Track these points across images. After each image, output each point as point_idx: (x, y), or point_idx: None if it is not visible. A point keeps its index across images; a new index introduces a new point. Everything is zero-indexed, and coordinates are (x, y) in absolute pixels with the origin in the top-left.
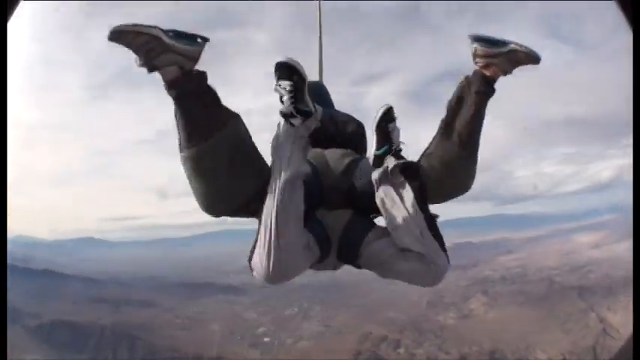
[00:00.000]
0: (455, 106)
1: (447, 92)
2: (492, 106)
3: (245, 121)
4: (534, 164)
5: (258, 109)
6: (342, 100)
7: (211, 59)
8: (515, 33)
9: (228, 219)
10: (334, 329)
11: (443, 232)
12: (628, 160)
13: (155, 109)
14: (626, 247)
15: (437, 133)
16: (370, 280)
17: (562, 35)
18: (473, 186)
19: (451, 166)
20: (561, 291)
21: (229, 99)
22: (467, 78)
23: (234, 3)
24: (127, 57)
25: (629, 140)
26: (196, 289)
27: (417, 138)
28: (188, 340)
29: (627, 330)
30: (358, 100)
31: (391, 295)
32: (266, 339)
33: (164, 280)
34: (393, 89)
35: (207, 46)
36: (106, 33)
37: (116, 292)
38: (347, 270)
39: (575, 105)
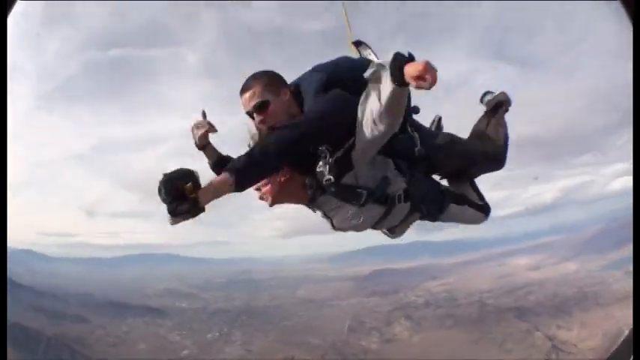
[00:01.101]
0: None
1: None
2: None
3: (171, 142)
4: None
5: (185, 130)
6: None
7: (142, 76)
8: (451, 55)
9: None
10: (256, 353)
11: (362, 260)
12: (573, 180)
13: (92, 122)
14: (575, 265)
15: None
16: (288, 305)
17: (503, 55)
18: None
19: None
20: (496, 313)
21: (159, 119)
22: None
23: (169, 20)
24: (74, 69)
25: (576, 160)
26: (124, 309)
27: None
28: (119, 358)
29: (588, 343)
30: None
31: (310, 320)
32: None
33: (96, 297)
34: None
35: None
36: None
37: (55, 305)
38: (266, 295)
39: (518, 125)
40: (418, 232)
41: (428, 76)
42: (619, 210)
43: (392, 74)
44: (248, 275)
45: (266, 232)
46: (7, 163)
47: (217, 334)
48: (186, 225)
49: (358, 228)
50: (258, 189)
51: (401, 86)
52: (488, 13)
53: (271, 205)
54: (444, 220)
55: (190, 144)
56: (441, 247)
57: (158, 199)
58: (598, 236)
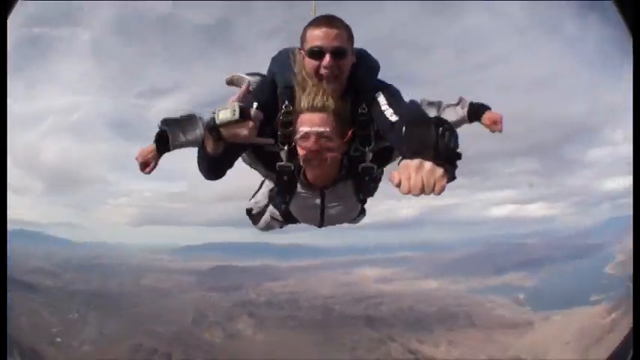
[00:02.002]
0: None
1: None
2: None
3: (51, 119)
4: None
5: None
6: (127, 109)
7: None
8: None
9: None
10: (109, 337)
11: (204, 254)
12: (441, 201)
13: None
14: (434, 283)
15: None
16: (134, 292)
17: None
18: (235, 214)
19: None
20: (342, 318)
21: (56, 97)
22: None
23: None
24: None
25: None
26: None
27: None
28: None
29: None
30: (142, 112)
31: (157, 309)
32: (58, 339)
33: None
34: (176, 106)
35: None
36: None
37: None
38: (114, 281)
39: None
40: (260, 232)
41: (499, 125)
42: (497, 236)
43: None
44: (99, 260)
45: (117, 219)
46: (7, 163)
47: (76, 314)
48: (50, 203)
49: (338, 222)
50: (320, 150)
51: (471, 121)
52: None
53: (319, 176)
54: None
55: (69, 120)
56: (283, 250)
57: (35, 174)
58: (468, 258)
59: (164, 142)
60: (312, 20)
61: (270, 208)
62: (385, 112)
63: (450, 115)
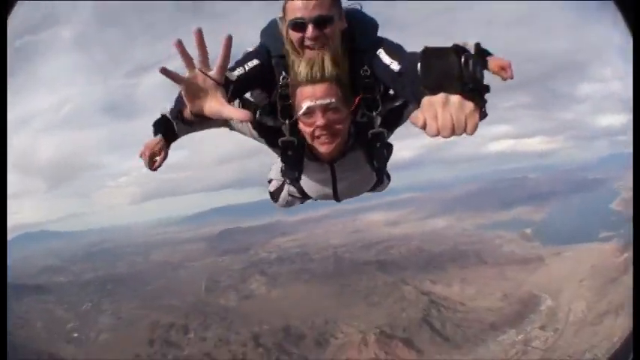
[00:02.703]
0: None
1: None
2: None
3: (53, 115)
4: None
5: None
6: (116, 91)
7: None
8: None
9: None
10: (126, 320)
11: (210, 220)
12: (429, 140)
13: None
14: (441, 222)
15: None
16: (146, 270)
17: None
18: (236, 175)
19: None
20: (354, 266)
21: (44, 97)
22: None
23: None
24: None
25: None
26: (19, 291)
27: None
28: (26, 340)
29: (481, 303)
30: (131, 91)
31: (167, 283)
32: (75, 334)
33: None
34: (163, 79)
35: None
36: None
37: None
38: (124, 263)
39: None
40: (263, 190)
41: (508, 72)
42: (498, 172)
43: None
44: (106, 244)
45: (119, 199)
46: (7, 163)
47: (90, 304)
48: (50, 199)
49: (354, 194)
50: (329, 125)
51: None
52: None
53: (331, 150)
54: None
55: (59, 115)
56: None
57: (34, 176)
58: (472, 195)
59: (170, 130)
60: None
61: (287, 185)
62: (390, 65)
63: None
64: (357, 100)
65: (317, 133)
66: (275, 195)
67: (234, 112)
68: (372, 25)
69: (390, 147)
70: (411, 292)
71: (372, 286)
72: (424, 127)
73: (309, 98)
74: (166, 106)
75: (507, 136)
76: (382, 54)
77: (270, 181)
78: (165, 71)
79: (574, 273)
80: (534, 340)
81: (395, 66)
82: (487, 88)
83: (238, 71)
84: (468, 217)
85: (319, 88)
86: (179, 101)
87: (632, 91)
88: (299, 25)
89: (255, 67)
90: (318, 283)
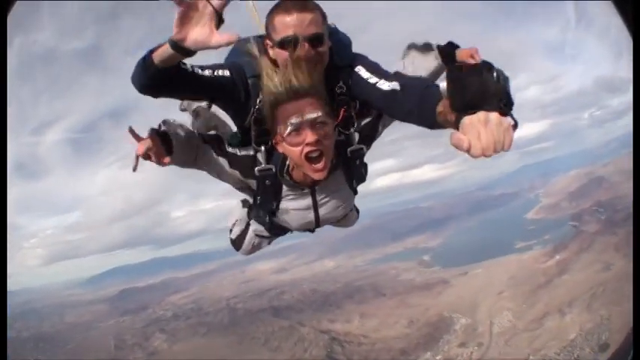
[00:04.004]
0: None
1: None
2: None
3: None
4: (191, 203)
5: None
6: (21, 150)
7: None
8: None
9: None
10: None
11: (108, 282)
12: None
13: None
14: (331, 263)
15: None
16: (65, 330)
17: None
18: (129, 233)
19: None
20: (248, 315)
21: None
22: None
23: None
24: None
25: None
26: None
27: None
28: None
29: (386, 333)
30: (34, 150)
31: (83, 342)
32: None
33: None
34: (61, 135)
35: None
36: None
37: None
38: (47, 322)
39: None
40: (153, 248)
41: (477, 57)
42: (387, 206)
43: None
44: (31, 305)
45: (32, 261)
46: (7, 163)
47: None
48: None
49: (334, 219)
50: (320, 140)
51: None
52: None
53: (323, 169)
54: (342, 223)
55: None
56: (178, 261)
57: None
58: (360, 233)
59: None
60: (278, 5)
61: (252, 226)
62: (377, 85)
63: (422, 70)
64: (342, 112)
65: (307, 150)
66: (238, 241)
67: (222, 37)
68: (346, 41)
69: (366, 165)
70: (310, 332)
71: (269, 332)
72: (469, 149)
73: (294, 115)
74: (165, 119)
75: (393, 170)
76: (362, 71)
77: (230, 229)
78: None
79: (489, 287)
80: (456, 358)
81: (382, 84)
82: (513, 102)
83: (207, 72)
84: (358, 254)
85: (304, 103)
86: (149, 57)
87: (632, 91)
88: (291, 43)
89: (224, 77)
90: (216, 335)
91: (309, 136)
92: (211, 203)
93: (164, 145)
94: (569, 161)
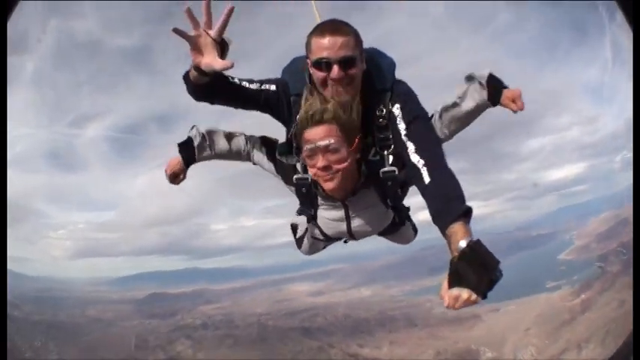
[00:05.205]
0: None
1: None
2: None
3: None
4: (232, 218)
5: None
6: (58, 140)
7: None
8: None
9: None
10: None
11: (138, 285)
12: None
13: None
14: (367, 291)
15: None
16: (85, 323)
17: None
18: (163, 241)
19: None
20: (278, 333)
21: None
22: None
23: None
24: None
25: None
26: None
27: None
28: None
29: None
30: (72, 141)
31: (102, 337)
32: None
33: None
34: (102, 132)
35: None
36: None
37: None
38: (64, 312)
39: None
40: (187, 258)
41: (519, 103)
42: (425, 241)
43: (490, 93)
44: (50, 293)
45: (58, 252)
46: (7, 164)
47: (40, 342)
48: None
49: (370, 233)
50: (330, 166)
51: (494, 105)
52: None
53: (335, 188)
54: (395, 237)
55: (12, 153)
56: (214, 274)
57: None
58: (398, 265)
59: (190, 153)
60: (316, 27)
61: (310, 228)
62: (403, 135)
63: (471, 101)
64: (356, 141)
65: (318, 173)
66: (299, 241)
67: (220, 63)
68: (387, 64)
69: (405, 185)
70: (338, 353)
71: (297, 350)
72: (445, 301)
73: (310, 140)
74: (193, 129)
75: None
76: (397, 110)
77: (294, 229)
78: (177, 30)
79: (517, 324)
80: None
81: (412, 152)
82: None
83: (254, 85)
84: (394, 285)
85: (318, 131)
86: (186, 76)
87: (632, 90)
88: (324, 65)
89: (270, 91)
90: (242, 348)
91: (320, 161)
92: (253, 221)
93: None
94: (601, 204)
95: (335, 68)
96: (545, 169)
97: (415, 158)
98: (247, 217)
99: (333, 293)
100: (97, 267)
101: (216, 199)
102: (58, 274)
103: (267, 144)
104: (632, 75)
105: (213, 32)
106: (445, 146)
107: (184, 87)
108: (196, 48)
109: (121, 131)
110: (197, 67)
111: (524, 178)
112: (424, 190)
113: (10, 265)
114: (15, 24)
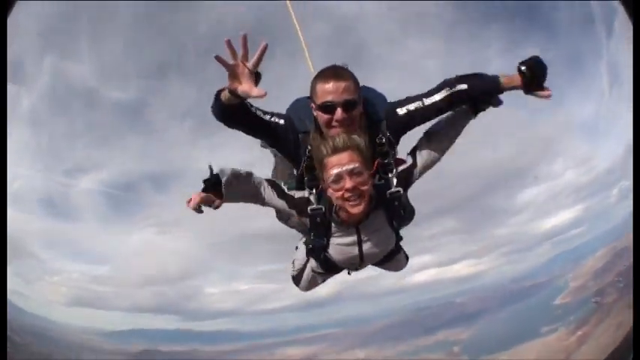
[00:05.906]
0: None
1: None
2: (177, 222)
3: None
4: (225, 281)
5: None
6: (53, 189)
7: None
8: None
9: None
10: None
11: (131, 340)
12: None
13: None
14: (361, 354)
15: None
16: None
17: None
18: (158, 299)
19: None
20: None
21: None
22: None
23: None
24: None
25: None
26: None
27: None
28: None
29: None
30: (68, 190)
31: None
32: None
33: None
34: (94, 185)
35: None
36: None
37: None
38: (59, 355)
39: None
40: (179, 319)
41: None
42: (420, 302)
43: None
44: (46, 333)
45: (54, 296)
46: (7, 165)
47: None
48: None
49: (377, 256)
50: (356, 187)
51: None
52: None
53: (361, 211)
54: (391, 264)
55: (11, 190)
56: (207, 336)
57: None
58: (393, 326)
59: (216, 191)
60: (320, 73)
61: (310, 262)
62: (425, 104)
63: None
64: (376, 163)
65: (346, 195)
66: (297, 277)
67: (256, 91)
68: (381, 99)
69: (409, 208)
70: None
71: None
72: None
73: (336, 166)
74: (221, 167)
75: (430, 266)
76: (400, 110)
77: (293, 264)
78: (218, 58)
79: None
80: None
81: (430, 99)
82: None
83: (267, 117)
84: (389, 346)
85: (343, 157)
86: (218, 94)
87: (632, 91)
88: (329, 108)
89: (278, 124)
90: None
91: (348, 183)
92: (246, 285)
93: (215, 190)
94: (598, 242)
95: (339, 111)
96: (540, 218)
97: (431, 100)
98: (240, 281)
99: (326, 356)
100: (92, 317)
101: (210, 263)
102: (54, 317)
103: (272, 184)
104: (632, 74)
105: (250, 64)
106: (437, 205)
107: (185, 146)
108: (233, 75)
109: (114, 187)
110: (233, 92)
111: (518, 231)
112: (468, 93)
113: (12, 298)
114: (12, 52)
